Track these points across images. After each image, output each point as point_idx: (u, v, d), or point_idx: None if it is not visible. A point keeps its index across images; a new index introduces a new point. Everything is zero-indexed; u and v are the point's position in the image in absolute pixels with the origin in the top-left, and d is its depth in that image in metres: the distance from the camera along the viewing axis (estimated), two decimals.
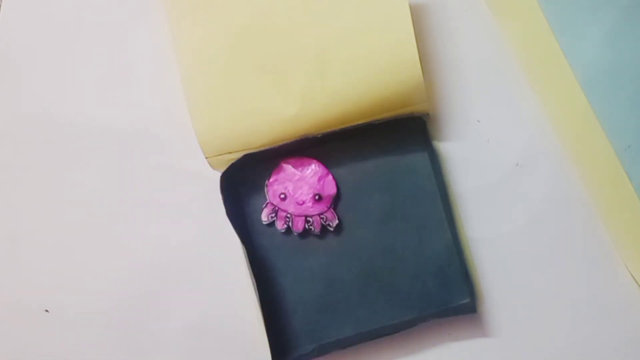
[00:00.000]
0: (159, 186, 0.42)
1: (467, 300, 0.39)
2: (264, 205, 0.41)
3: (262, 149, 0.39)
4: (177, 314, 0.41)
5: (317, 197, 0.40)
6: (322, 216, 0.40)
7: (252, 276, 0.38)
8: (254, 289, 0.38)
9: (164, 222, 0.42)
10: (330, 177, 0.41)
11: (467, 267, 0.39)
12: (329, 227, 0.41)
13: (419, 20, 0.42)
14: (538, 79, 0.42)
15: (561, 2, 0.41)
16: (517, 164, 0.41)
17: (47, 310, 0.42)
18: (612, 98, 0.40)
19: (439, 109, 0.42)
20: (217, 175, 0.39)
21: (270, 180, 0.41)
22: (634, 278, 0.40)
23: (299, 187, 0.41)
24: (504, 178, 0.41)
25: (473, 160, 0.41)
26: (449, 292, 0.40)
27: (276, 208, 0.41)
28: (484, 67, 0.42)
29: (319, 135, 0.39)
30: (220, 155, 0.39)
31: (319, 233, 0.41)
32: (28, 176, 0.43)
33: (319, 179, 0.41)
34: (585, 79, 0.41)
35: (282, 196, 0.41)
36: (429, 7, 0.43)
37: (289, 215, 0.41)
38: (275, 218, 0.41)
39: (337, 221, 0.41)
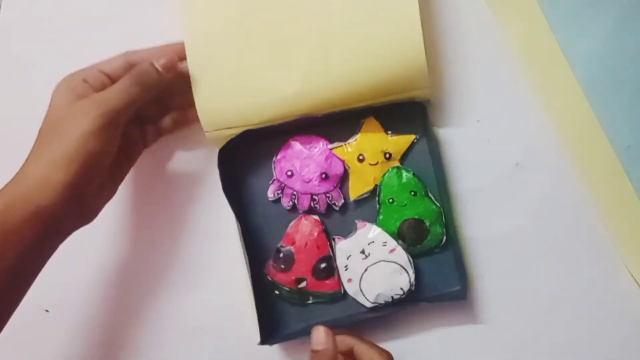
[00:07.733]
0: (160, 185, 0.42)
1: (457, 288, 0.39)
2: (271, 181, 0.41)
3: (262, 125, 0.39)
4: (171, 301, 0.41)
5: (323, 176, 0.40)
6: (328, 195, 0.40)
7: (245, 253, 0.38)
8: (246, 265, 0.38)
9: (163, 214, 0.42)
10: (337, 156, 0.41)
11: (460, 255, 0.39)
12: (334, 207, 0.40)
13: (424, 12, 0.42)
14: (538, 79, 0.42)
15: (561, 2, 0.41)
16: (517, 164, 0.41)
17: (47, 310, 0.42)
18: (612, 98, 0.40)
19: (439, 108, 0.42)
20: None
21: (278, 157, 0.41)
22: (634, 278, 0.40)
23: (306, 164, 0.40)
24: (504, 178, 0.41)
25: (473, 160, 0.41)
26: (441, 279, 0.40)
27: (283, 185, 0.41)
28: (484, 67, 0.42)
29: (319, 115, 0.39)
30: (219, 130, 0.39)
31: (324, 212, 0.40)
32: None
33: (327, 158, 0.40)
34: (585, 79, 0.41)
35: (289, 173, 0.40)
36: (428, 7, 0.43)
37: (295, 193, 0.40)
38: (281, 195, 0.41)
39: (342, 200, 0.40)
